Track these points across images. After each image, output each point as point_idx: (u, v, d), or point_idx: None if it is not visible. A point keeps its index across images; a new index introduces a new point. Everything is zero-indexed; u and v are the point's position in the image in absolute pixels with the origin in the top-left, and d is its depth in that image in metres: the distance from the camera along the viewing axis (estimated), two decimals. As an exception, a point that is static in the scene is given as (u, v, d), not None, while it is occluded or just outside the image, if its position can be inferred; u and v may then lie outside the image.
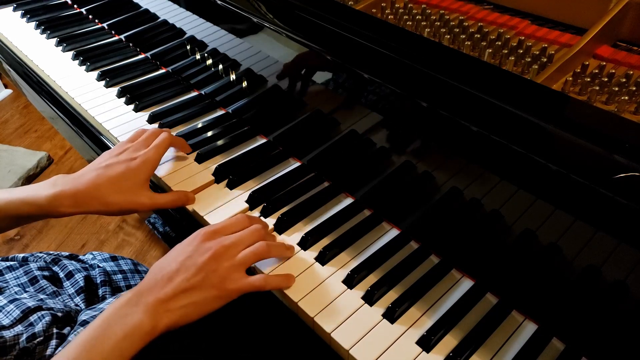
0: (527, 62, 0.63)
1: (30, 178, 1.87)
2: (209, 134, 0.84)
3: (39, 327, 0.59)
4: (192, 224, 0.73)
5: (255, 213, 0.70)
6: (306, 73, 0.70)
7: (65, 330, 0.61)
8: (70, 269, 0.74)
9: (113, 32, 1.15)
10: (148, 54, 1.06)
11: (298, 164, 0.78)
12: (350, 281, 0.60)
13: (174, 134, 0.83)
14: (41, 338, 0.58)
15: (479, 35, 0.69)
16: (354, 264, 0.63)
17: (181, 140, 0.78)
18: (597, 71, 0.61)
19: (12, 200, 0.62)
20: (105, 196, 0.63)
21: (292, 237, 0.66)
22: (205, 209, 0.70)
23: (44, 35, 1.14)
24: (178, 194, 0.71)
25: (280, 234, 0.67)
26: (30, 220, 0.65)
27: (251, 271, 0.63)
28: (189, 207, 0.71)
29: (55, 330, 0.60)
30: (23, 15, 1.23)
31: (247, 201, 0.71)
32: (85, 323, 0.62)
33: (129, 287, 0.76)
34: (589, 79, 0.59)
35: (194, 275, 0.54)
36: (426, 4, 0.78)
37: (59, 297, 0.70)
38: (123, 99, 0.93)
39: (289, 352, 0.60)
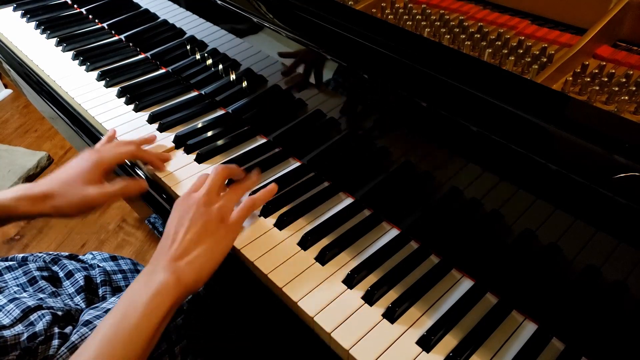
0: (527, 62, 0.63)
1: (30, 178, 1.87)
2: (209, 133, 0.84)
3: (39, 327, 0.59)
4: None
5: (256, 213, 0.70)
6: (306, 73, 0.70)
7: (67, 330, 0.61)
8: (70, 268, 0.74)
9: (113, 32, 1.15)
10: (148, 54, 1.06)
11: (298, 164, 0.78)
12: (350, 281, 0.60)
13: (173, 134, 0.84)
14: (42, 337, 0.58)
15: (479, 35, 0.69)
16: (354, 264, 0.63)
17: (152, 156, 0.77)
18: (597, 71, 0.61)
19: None
20: (55, 195, 0.66)
21: (292, 237, 0.66)
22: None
23: (44, 35, 1.15)
24: (127, 181, 0.71)
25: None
26: None
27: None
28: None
29: (56, 330, 0.60)
30: (23, 15, 1.23)
31: (247, 201, 0.71)
32: (88, 323, 0.62)
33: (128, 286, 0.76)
34: (589, 79, 0.59)
35: (194, 226, 0.58)
36: (426, 4, 0.78)
37: (59, 297, 0.70)
38: (123, 99, 0.93)
39: (289, 352, 0.60)
